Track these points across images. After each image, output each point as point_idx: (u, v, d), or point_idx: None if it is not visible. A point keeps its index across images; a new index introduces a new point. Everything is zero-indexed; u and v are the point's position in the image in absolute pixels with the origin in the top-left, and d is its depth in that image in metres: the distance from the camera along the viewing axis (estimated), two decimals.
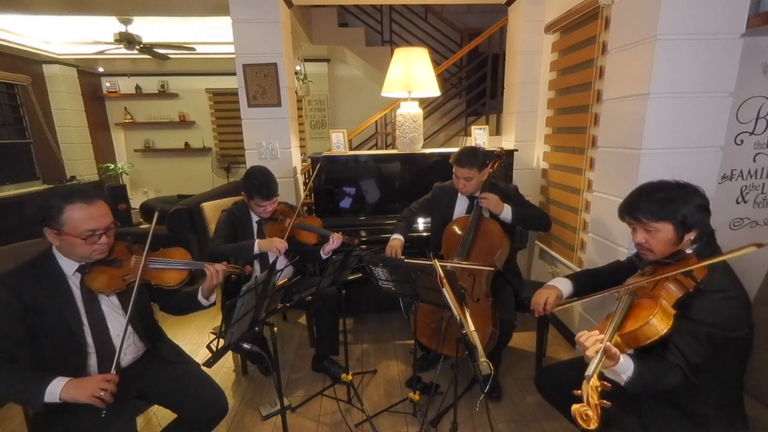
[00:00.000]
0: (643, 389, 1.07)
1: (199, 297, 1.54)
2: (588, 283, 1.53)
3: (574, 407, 0.93)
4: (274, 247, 1.97)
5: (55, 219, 1.23)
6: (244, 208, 2.18)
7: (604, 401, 0.92)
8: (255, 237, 2.16)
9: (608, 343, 1.02)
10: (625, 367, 1.04)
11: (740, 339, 1.12)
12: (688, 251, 1.19)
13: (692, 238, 1.17)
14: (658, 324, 1.03)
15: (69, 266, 1.33)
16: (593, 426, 0.89)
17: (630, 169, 1.81)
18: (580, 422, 0.90)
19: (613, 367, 1.03)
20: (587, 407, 0.91)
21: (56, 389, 1.15)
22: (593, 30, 2.19)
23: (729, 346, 1.10)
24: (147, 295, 1.53)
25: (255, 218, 2.17)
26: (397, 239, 2.19)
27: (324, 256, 2.15)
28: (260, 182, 2.03)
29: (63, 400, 1.16)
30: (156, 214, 1.50)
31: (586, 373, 0.97)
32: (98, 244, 1.30)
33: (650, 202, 1.18)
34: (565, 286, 1.52)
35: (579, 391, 0.96)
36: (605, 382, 0.96)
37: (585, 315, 2.32)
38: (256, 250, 2.00)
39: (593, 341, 1.04)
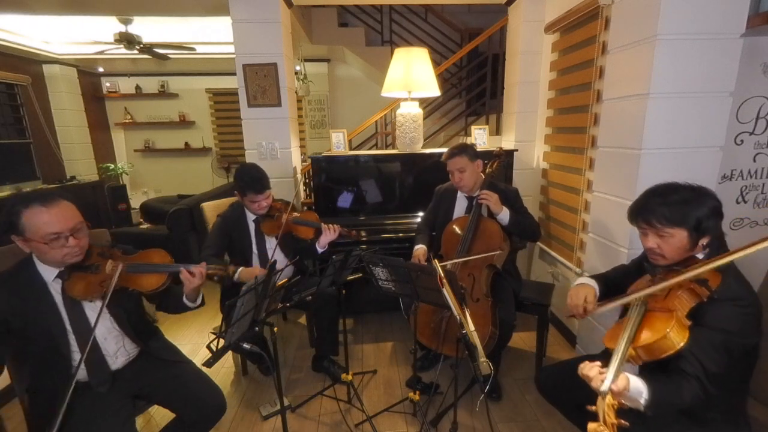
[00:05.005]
0: (664, 409, 1.01)
1: (184, 299, 1.50)
2: (607, 284, 1.45)
3: (591, 426, 0.89)
4: (254, 276, 1.87)
5: (15, 225, 1.19)
6: (240, 209, 2.16)
7: (622, 420, 0.89)
8: (252, 237, 2.15)
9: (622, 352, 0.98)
10: (638, 390, 0.98)
11: (751, 346, 1.10)
12: (700, 256, 1.16)
13: (705, 243, 1.14)
14: (675, 337, 1.00)
15: (48, 273, 1.29)
16: None
17: (630, 169, 1.81)
18: None
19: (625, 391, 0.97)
20: (604, 426, 0.88)
21: None
22: (593, 30, 2.19)
23: (742, 353, 1.07)
24: (136, 295, 1.48)
25: (251, 217, 2.16)
26: (420, 248, 2.20)
27: (320, 250, 2.13)
28: (252, 177, 2.02)
29: None
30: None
31: (602, 389, 0.94)
32: (68, 248, 1.24)
33: (664, 204, 1.13)
34: (594, 284, 1.42)
35: (594, 407, 0.93)
36: (622, 401, 0.93)
37: (588, 318, 2.31)
38: (236, 278, 1.88)
39: (596, 371, 0.99)
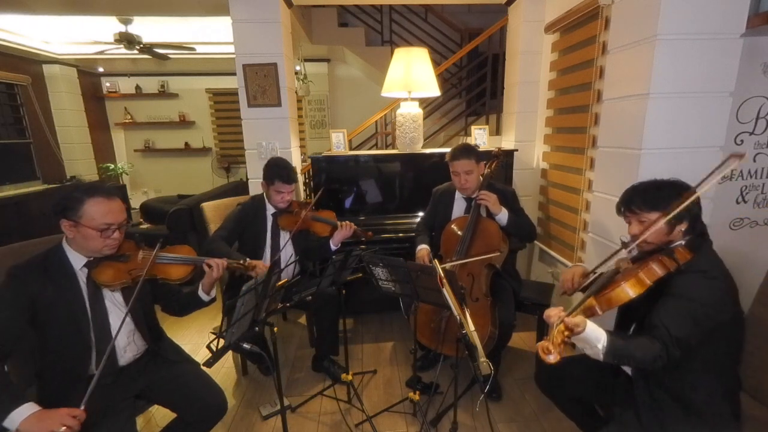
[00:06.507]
0: (621, 359, 1.10)
1: (200, 292, 1.57)
2: None
3: (540, 344, 1.02)
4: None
5: (75, 210, 1.28)
6: (260, 201, 2.21)
7: (568, 340, 1.03)
8: (268, 230, 2.20)
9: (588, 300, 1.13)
10: (596, 336, 1.07)
11: (727, 324, 1.15)
12: (681, 242, 1.23)
13: (683, 229, 1.21)
14: (630, 288, 1.11)
15: (78, 261, 1.35)
16: (553, 361, 0.98)
17: (630, 169, 1.81)
18: (541, 354, 0.99)
19: (582, 334, 1.05)
20: (549, 343, 1.01)
21: (19, 417, 1.06)
22: (593, 30, 2.19)
23: (717, 331, 1.13)
24: (150, 294, 1.54)
25: (270, 210, 2.20)
26: (423, 248, 2.19)
27: (334, 248, 2.17)
28: (281, 167, 2.11)
29: None
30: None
31: (558, 317, 1.07)
32: (111, 239, 1.34)
33: (642, 192, 1.25)
34: (586, 265, 1.54)
35: (546, 337, 1.05)
36: (574, 333, 1.05)
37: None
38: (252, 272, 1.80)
39: (558, 310, 1.12)
